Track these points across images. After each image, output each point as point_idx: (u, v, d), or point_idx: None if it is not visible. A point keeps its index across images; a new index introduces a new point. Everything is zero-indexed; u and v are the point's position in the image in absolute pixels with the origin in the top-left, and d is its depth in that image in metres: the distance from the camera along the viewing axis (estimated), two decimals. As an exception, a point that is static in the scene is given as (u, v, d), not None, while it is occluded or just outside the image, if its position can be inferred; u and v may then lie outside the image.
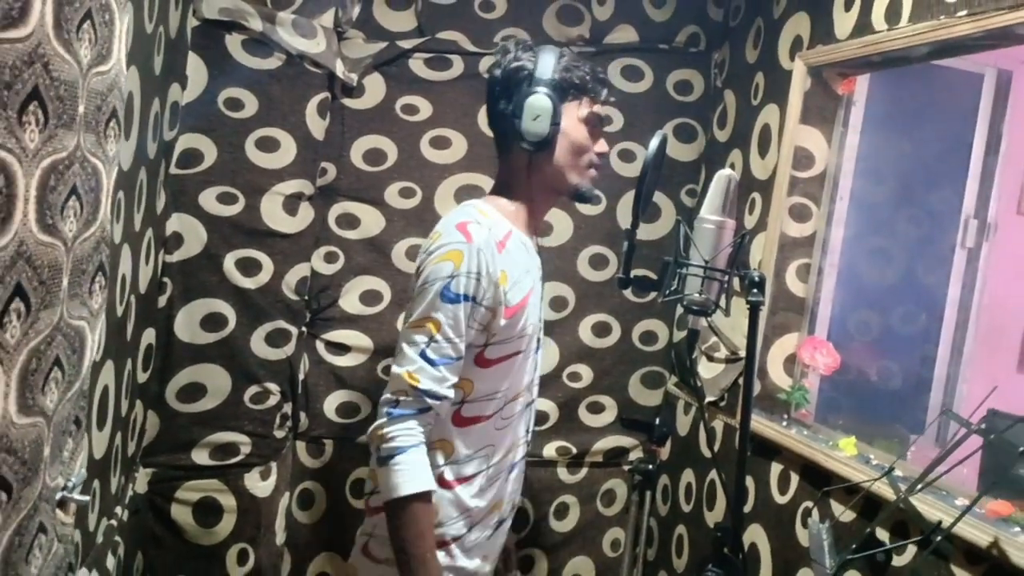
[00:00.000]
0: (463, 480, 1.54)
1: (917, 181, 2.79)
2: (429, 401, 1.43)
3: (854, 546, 1.46)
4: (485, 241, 1.47)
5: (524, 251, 1.60)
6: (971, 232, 2.73)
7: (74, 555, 1.19)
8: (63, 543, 1.07)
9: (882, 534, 1.86)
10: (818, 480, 2.14)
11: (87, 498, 1.08)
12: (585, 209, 2.87)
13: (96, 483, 1.86)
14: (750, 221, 2.56)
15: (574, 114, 1.60)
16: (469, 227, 1.48)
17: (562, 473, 2.96)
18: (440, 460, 1.51)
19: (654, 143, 1.55)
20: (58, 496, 1.03)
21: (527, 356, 1.59)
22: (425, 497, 1.42)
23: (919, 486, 1.40)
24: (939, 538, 1.28)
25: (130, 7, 1.14)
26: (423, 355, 1.43)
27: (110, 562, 2.07)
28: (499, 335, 1.51)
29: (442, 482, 1.51)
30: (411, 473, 1.40)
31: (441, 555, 1.50)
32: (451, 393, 1.47)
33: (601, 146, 1.65)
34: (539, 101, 1.55)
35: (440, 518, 1.50)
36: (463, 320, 1.45)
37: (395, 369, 1.46)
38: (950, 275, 2.79)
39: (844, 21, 2.26)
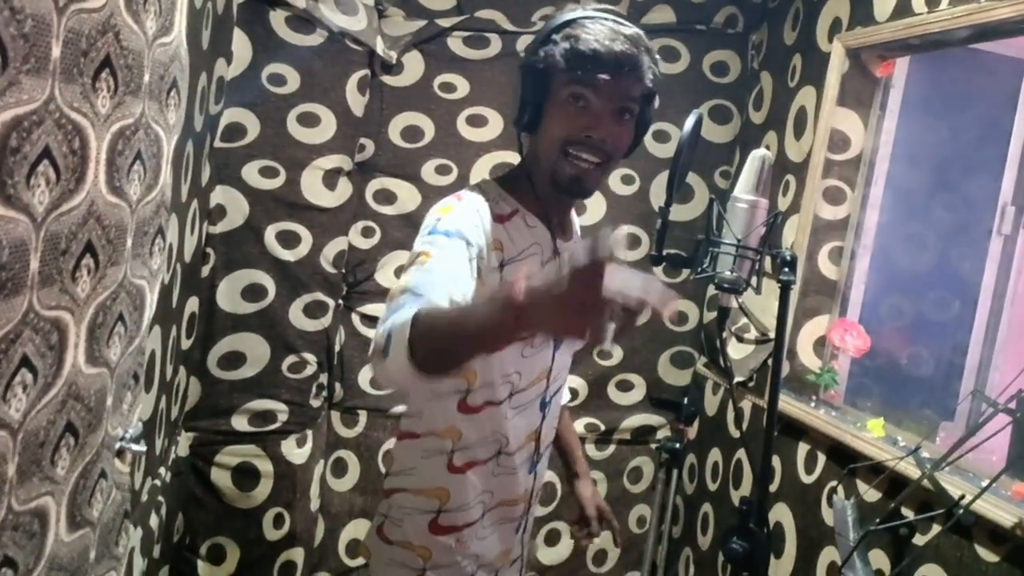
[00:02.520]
0: (475, 464, 1.47)
1: (954, 166, 2.77)
2: (419, 293, 1.14)
3: (878, 520, 1.48)
4: (479, 202, 1.35)
5: (529, 232, 1.42)
6: (1008, 219, 2.69)
7: (129, 503, 1.26)
8: (120, 490, 1.13)
9: (907, 513, 1.89)
10: (845, 461, 2.16)
11: (144, 448, 1.14)
12: (618, 189, 2.90)
13: (143, 444, 1.94)
14: (784, 203, 2.57)
15: (557, 93, 1.35)
16: (464, 194, 1.38)
17: (590, 449, 3.00)
18: (448, 446, 1.44)
19: (689, 123, 1.53)
20: (117, 446, 1.09)
21: (543, 351, 1.47)
22: (429, 314, 1.07)
23: (944, 464, 1.42)
24: (960, 511, 1.30)
25: (187, -18, 1.19)
26: (415, 272, 1.19)
27: (153, 520, 2.15)
28: None
29: (452, 467, 1.45)
30: (402, 316, 1.07)
31: (451, 541, 1.45)
32: (443, 300, 1.15)
33: (590, 129, 1.33)
34: (520, 80, 1.39)
35: (453, 502, 1.45)
36: (453, 255, 1.23)
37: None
38: (985, 262, 2.75)
39: (884, 3, 2.25)
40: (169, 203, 1.14)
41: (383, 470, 2.81)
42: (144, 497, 2.03)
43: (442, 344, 1.02)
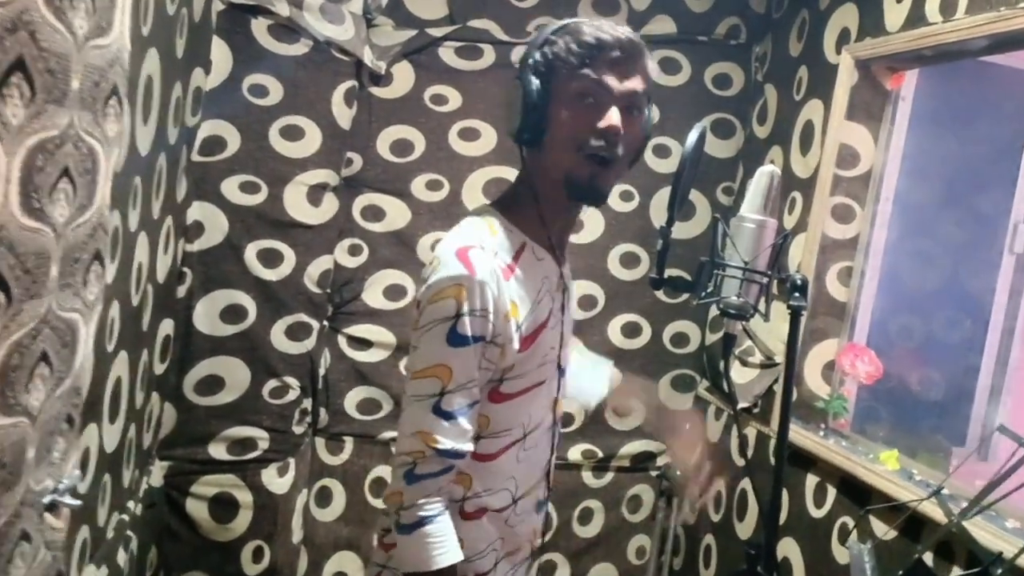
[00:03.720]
0: (486, 512, 1.38)
1: (964, 182, 2.67)
2: (451, 461, 1.27)
3: (900, 573, 1.36)
4: (490, 271, 1.26)
5: (539, 267, 1.37)
6: (1020, 237, 2.59)
7: (65, 562, 1.13)
8: (51, 550, 1.00)
9: (929, 559, 1.76)
10: (857, 494, 2.04)
11: (77, 502, 1.01)
12: (617, 205, 2.78)
13: (107, 477, 1.81)
14: (790, 221, 2.45)
15: (562, 94, 1.30)
16: (471, 254, 1.26)
17: (587, 477, 2.87)
18: (458, 495, 1.35)
19: (693, 136, 1.42)
20: (47, 500, 0.96)
21: (550, 383, 1.41)
22: (454, 569, 1.27)
23: (973, 512, 1.30)
24: (999, 572, 1.18)
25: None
26: (437, 410, 1.24)
27: (121, 557, 2.02)
28: (514, 370, 1.33)
29: (464, 514, 1.36)
30: (442, 545, 1.25)
31: None
32: (471, 445, 1.30)
33: (602, 121, 1.28)
34: (515, 91, 1.32)
35: (466, 553, 1.33)
36: (475, 362, 1.26)
37: (406, 427, 1.28)
38: (997, 281, 2.65)
39: (895, 13, 2.14)
40: (108, 225, 1.02)
41: (370, 499, 2.68)
42: (110, 534, 1.91)
43: None
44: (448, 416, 1.25)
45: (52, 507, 0.97)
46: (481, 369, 1.28)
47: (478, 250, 1.27)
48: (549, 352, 1.37)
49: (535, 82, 1.30)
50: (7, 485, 0.83)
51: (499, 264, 1.29)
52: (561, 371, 1.45)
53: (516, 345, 1.30)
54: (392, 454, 1.47)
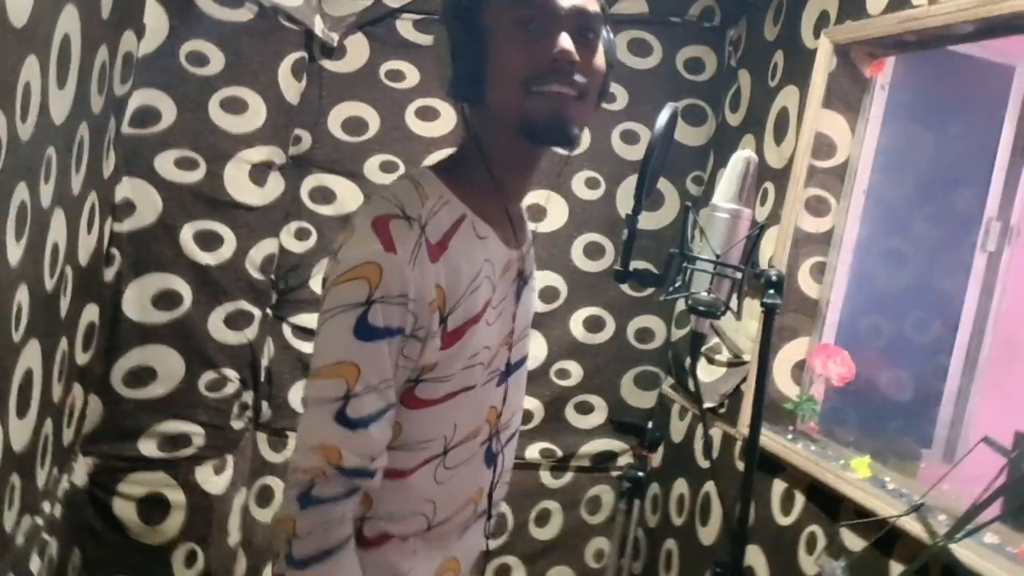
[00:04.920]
0: (391, 538, 1.15)
1: (938, 178, 2.59)
2: (358, 482, 1.04)
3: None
4: (413, 248, 1.03)
5: (480, 247, 1.14)
6: (993, 235, 2.53)
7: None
8: None
9: (896, 568, 1.66)
10: (826, 502, 1.93)
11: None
12: (582, 193, 2.65)
13: (15, 478, 1.64)
14: (762, 213, 2.34)
15: (497, 26, 1.07)
16: (392, 226, 1.03)
17: (545, 477, 2.75)
18: (356, 513, 1.10)
19: (664, 117, 1.29)
20: None
21: (483, 389, 1.18)
22: None
23: (961, 534, 1.19)
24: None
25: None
26: (341, 417, 1.01)
27: (34, 563, 1.85)
28: (435, 371, 1.10)
29: (360, 539, 1.12)
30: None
31: None
32: (384, 461, 1.07)
33: (552, 49, 1.05)
34: (437, 34, 1.12)
35: None
36: (390, 360, 1.03)
37: (304, 438, 1.04)
38: (968, 280, 2.59)
39: (878, -6, 2.03)
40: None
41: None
42: (20, 540, 1.73)
43: None
44: (355, 425, 1.02)
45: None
46: (398, 367, 1.05)
47: (401, 221, 1.05)
48: (481, 352, 1.15)
49: (462, 22, 1.07)
50: None
51: (427, 239, 1.06)
52: (504, 375, 1.22)
53: (438, 340, 1.07)
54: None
